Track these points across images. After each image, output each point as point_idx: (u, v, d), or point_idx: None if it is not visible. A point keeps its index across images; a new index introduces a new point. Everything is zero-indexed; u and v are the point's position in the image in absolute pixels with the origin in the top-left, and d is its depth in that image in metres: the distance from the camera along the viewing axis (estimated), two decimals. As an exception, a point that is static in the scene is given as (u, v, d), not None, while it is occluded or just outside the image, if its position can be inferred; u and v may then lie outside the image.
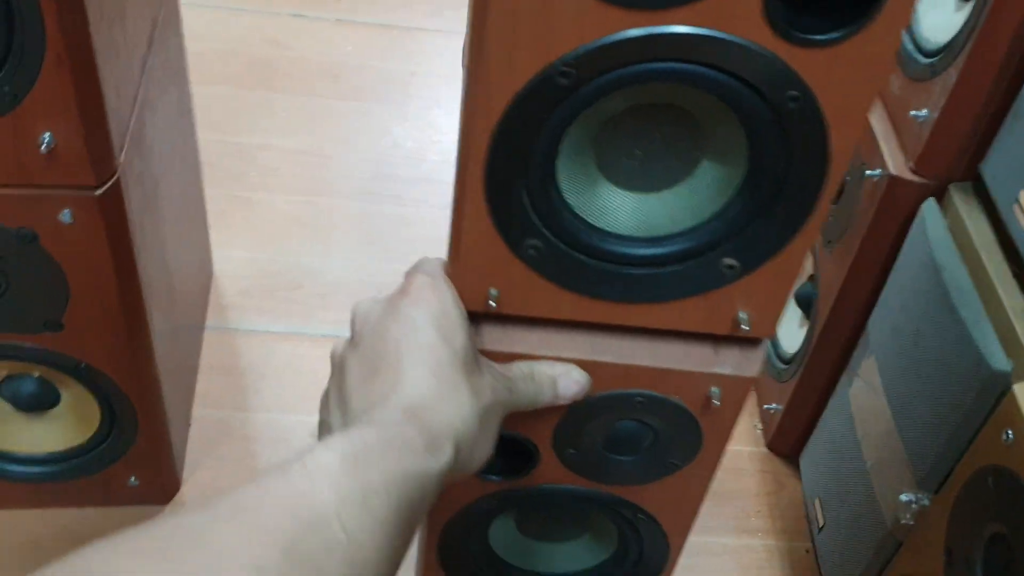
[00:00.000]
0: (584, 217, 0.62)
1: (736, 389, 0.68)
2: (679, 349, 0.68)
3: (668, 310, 0.66)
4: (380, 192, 1.56)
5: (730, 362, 0.68)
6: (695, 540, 1.20)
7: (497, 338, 0.67)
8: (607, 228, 0.63)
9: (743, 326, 0.65)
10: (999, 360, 0.80)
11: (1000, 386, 0.80)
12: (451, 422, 0.53)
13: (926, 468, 0.89)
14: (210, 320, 1.32)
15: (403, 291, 0.59)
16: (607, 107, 0.58)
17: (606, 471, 0.75)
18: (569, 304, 0.65)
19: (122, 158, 0.82)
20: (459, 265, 0.64)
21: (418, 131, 1.67)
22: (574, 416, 0.69)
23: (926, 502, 0.89)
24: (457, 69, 1.94)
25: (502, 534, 0.85)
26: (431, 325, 0.57)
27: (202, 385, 1.24)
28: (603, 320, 0.67)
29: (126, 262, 0.87)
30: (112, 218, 0.83)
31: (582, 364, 0.67)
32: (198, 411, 1.21)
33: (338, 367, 0.58)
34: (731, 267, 0.63)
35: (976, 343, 0.82)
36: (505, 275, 0.63)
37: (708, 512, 1.22)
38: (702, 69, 0.54)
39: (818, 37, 0.53)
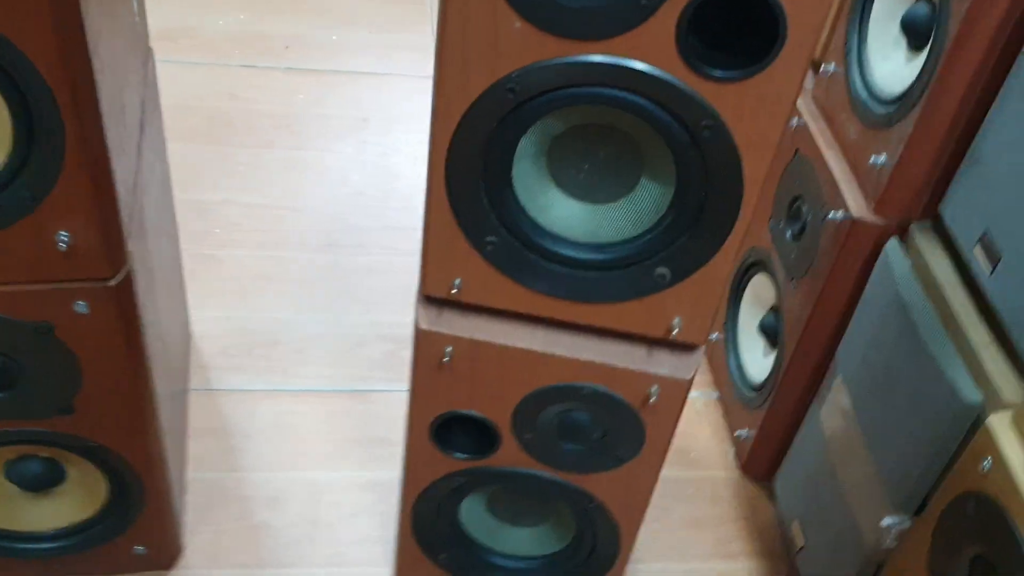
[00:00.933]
0: (538, 221, 0.72)
1: (673, 390, 0.78)
2: (624, 349, 0.78)
3: (612, 311, 0.75)
4: (344, 243, 1.59)
5: (668, 364, 0.78)
6: (680, 567, 1.26)
7: (460, 325, 0.76)
8: (559, 233, 0.72)
9: (676, 331, 0.75)
10: (971, 392, 0.87)
11: (972, 416, 0.87)
12: None
13: (903, 493, 0.96)
14: (193, 383, 1.33)
15: None
16: (554, 124, 0.67)
17: (560, 458, 0.84)
18: (524, 299, 0.75)
19: (130, 247, 0.84)
20: (427, 255, 0.73)
21: (377, 178, 1.70)
22: (530, 403, 0.79)
23: (908, 525, 0.96)
24: (410, 112, 1.98)
25: (473, 515, 0.95)
26: None
27: (192, 448, 1.25)
28: (554, 315, 0.76)
29: (136, 344, 0.89)
30: (124, 305, 0.85)
31: (536, 356, 0.77)
32: (192, 475, 1.22)
33: None
34: (663, 275, 0.72)
35: (947, 376, 0.89)
36: (467, 267, 0.73)
37: (690, 538, 1.29)
38: (624, 94, 0.63)
39: (724, 73, 0.61)
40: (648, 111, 0.64)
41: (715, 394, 1.45)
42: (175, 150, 1.66)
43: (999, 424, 0.83)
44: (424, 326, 0.76)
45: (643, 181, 0.70)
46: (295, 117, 1.81)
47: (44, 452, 0.97)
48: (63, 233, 0.77)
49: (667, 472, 1.34)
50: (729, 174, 0.66)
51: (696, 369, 0.78)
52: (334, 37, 2.00)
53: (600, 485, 0.87)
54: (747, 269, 1.35)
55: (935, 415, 0.91)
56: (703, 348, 0.80)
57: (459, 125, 0.65)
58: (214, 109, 1.78)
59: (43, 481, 1.00)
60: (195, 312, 1.40)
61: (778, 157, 1.25)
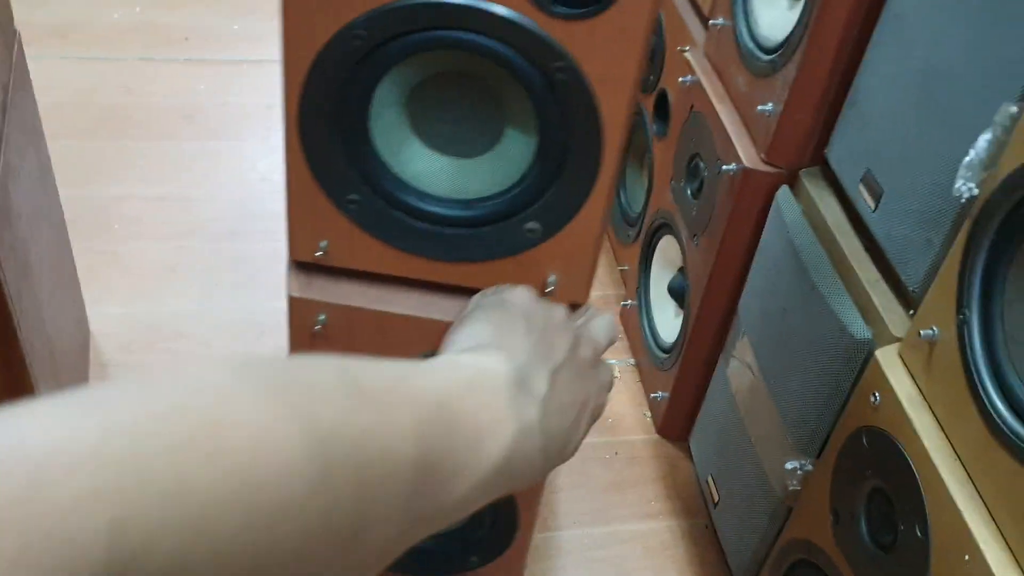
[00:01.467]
0: (401, 177, 0.68)
1: None
2: None
3: (486, 271, 0.72)
4: (251, 230, 1.55)
5: None
6: (603, 531, 1.25)
7: (331, 291, 0.73)
8: (424, 189, 0.69)
9: (551, 288, 0.72)
10: (860, 329, 0.87)
11: (863, 353, 0.87)
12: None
13: (805, 436, 0.96)
14: (93, 378, 1.29)
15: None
16: (410, 72, 0.64)
17: None
18: (394, 260, 0.72)
19: (-4, 229, 0.81)
20: (291, 217, 0.70)
21: (283, 164, 1.67)
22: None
23: (810, 467, 0.96)
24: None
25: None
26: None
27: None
28: (426, 277, 0.73)
29: (6, 334, 0.85)
30: (-11, 290, 0.81)
31: (412, 320, 0.73)
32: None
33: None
34: (533, 231, 0.70)
35: (837, 315, 0.89)
36: (332, 228, 0.70)
37: (611, 502, 1.28)
38: (473, 36, 0.61)
39: (572, 11, 0.60)
40: (500, 54, 0.62)
41: (632, 361, 1.45)
42: (70, 147, 1.62)
43: (886, 358, 0.84)
44: (295, 293, 0.73)
45: (508, 132, 0.68)
46: (197, 108, 1.77)
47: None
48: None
49: (586, 439, 1.34)
50: (588, 118, 0.64)
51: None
52: (235, 27, 1.96)
53: None
54: (654, 232, 1.35)
55: (828, 355, 0.91)
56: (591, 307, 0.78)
57: (308, 76, 0.62)
58: (110, 104, 1.73)
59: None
60: (93, 309, 1.36)
61: (676, 116, 1.25)
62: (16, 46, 1.01)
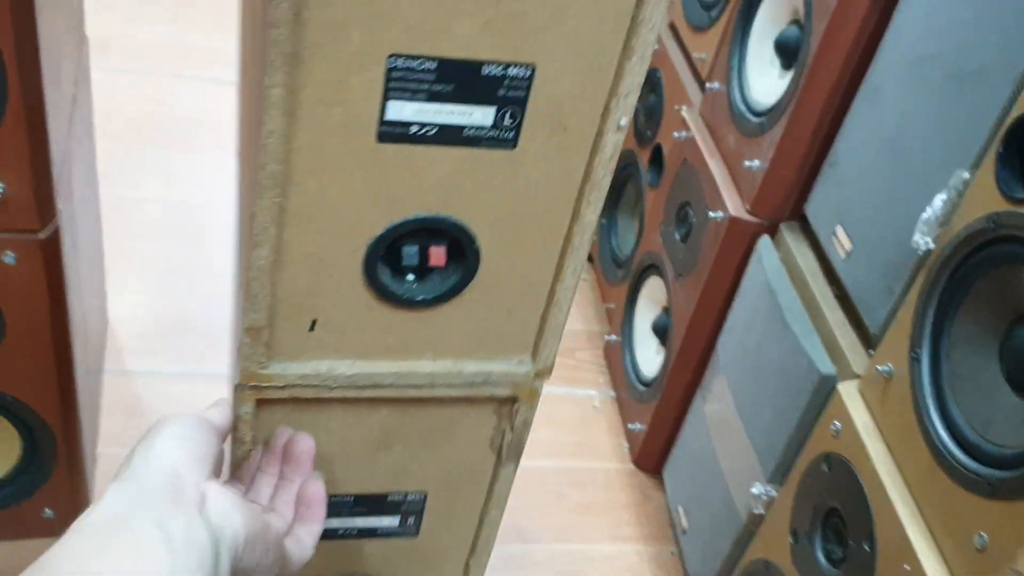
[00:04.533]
0: None
1: None
2: None
3: None
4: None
5: None
6: (573, 548, 1.34)
7: None
8: None
9: None
10: (826, 365, 0.97)
11: (828, 386, 0.97)
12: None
13: (772, 464, 1.05)
14: (108, 364, 1.37)
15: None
16: None
17: None
18: None
19: (59, 205, 0.90)
20: None
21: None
22: None
23: (774, 493, 1.05)
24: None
25: None
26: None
27: (105, 425, 1.29)
28: None
29: (59, 299, 0.94)
30: (50, 260, 0.90)
31: None
32: (103, 449, 1.26)
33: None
34: None
35: (807, 352, 0.99)
36: None
37: (584, 524, 1.37)
38: None
39: None
40: None
41: (612, 393, 1.54)
42: (101, 149, 1.71)
43: (847, 391, 0.94)
44: None
45: None
46: (222, 124, 1.87)
47: (-42, 403, 1.01)
48: (-2, 184, 0.82)
49: (563, 463, 1.43)
50: None
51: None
52: (261, 54, 2.07)
53: None
54: (642, 272, 1.45)
55: (797, 388, 1.01)
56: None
57: None
58: (141, 113, 1.83)
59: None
60: (113, 298, 1.44)
61: (669, 168, 1.37)
62: (84, 48, 1.11)
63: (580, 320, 1.67)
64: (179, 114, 1.85)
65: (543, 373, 0.78)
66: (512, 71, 0.62)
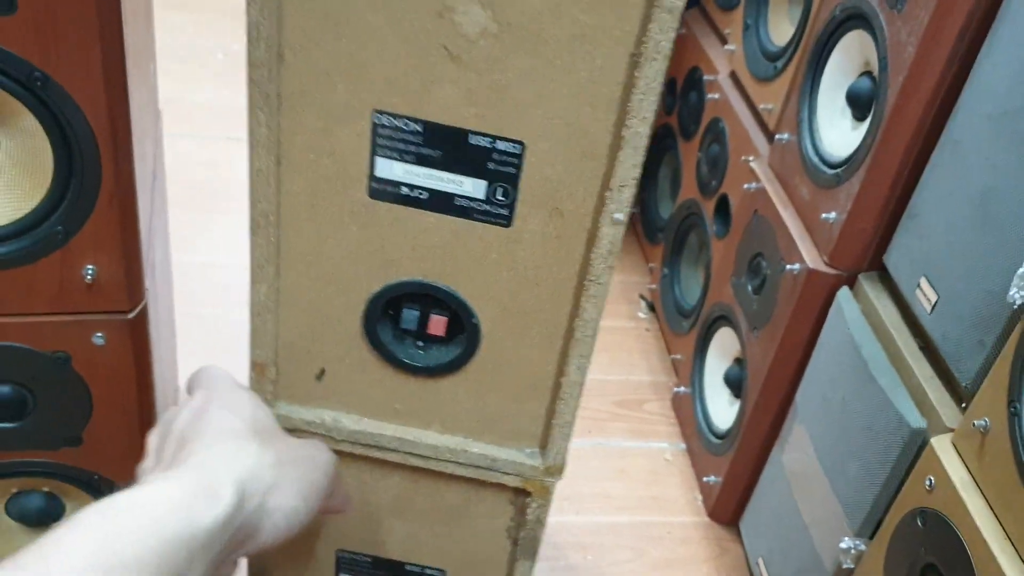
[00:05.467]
0: None
1: None
2: None
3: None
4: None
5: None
6: (652, 607, 1.31)
7: None
8: None
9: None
10: (916, 419, 0.96)
11: (919, 440, 0.95)
12: (232, 467, 0.60)
13: (860, 518, 1.03)
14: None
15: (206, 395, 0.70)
16: None
17: None
18: None
19: (147, 283, 0.91)
20: None
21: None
22: None
23: (863, 547, 1.03)
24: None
25: None
26: (226, 410, 0.67)
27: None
28: None
29: (146, 377, 0.95)
30: (138, 338, 0.91)
31: None
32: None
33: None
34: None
35: (895, 405, 0.98)
36: None
37: (660, 580, 1.34)
38: None
39: None
40: None
41: (683, 445, 1.53)
42: (164, 214, 1.74)
43: (940, 446, 0.92)
44: None
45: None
46: (278, 186, 1.89)
47: (45, 486, 1.02)
48: (90, 266, 0.83)
49: (639, 517, 1.41)
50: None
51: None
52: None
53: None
54: (712, 323, 1.44)
55: (885, 442, 0.99)
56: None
57: None
58: (196, 178, 1.86)
59: (43, 516, 1.03)
60: (181, 365, 1.45)
61: (738, 219, 1.36)
62: (159, 122, 1.13)
63: (646, 371, 1.65)
64: (234, 176, 1.88)
65: (553, 471, 0.76)
66: (501, 145, 0.61)
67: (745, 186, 1.30)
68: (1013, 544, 0.82)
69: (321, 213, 0.65)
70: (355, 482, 0.79)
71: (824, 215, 1.11)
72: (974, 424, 0.88)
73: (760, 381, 1.25)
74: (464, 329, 0.70)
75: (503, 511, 0.80)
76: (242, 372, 1.51)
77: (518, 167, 0.62)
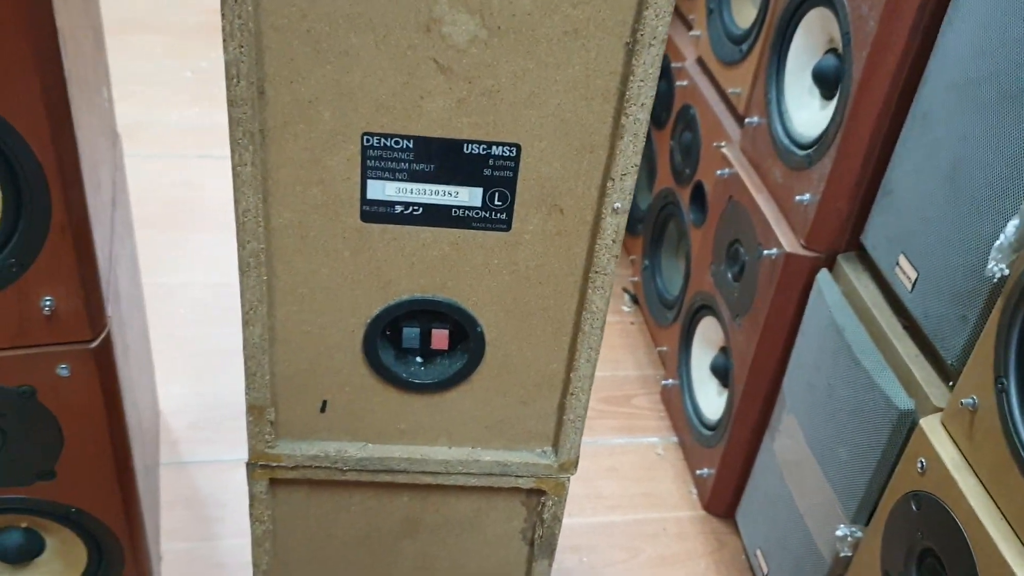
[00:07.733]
0: None
1: None
2: None
3: None
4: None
5: None
6: (653, 605, 1.29)
7: None
8: None
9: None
10: (904, 401, 0.94)
11: (908, 422, 0.93)
12: None
13: (854, 504, 1.01)
14: (163, 457, 1.36)
15: None
16: None
17: None
18: None
19: (109, 311, 0.89)
20: None
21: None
22: None
23: (859, 534, 1.01)
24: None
25: None
26: None
27: (166, 521, 1.27)
28: None
29: (115, 406, 0.92)
30: (104, 366, 0.89)
31: None
32: (167, 545, 1.24)
33: None
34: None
35: (882, 388, 0.96)
36: None
37: (658, 575, 1.33)
38: None
39: None
40: None
41: (674, 438, 1.51)
42: (138, 237, 1.71)
43: (930, 427, 0.90)
44: None
45: None
46: (252, 202, 1.87)
47: (23, 522, 0.99)
48: (47, 298, 0.81)
49: (634, 515, 1.39)
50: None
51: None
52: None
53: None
54: (695, 313, 1.42)
55: (875, 426, 0.97)
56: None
57: None
58: (172, 198, 1.84)
59: (24, 553, 1.01)
60: (162, 389, 1.43)
61: (713, 206, 1.34)
62: (117, 146, 1.11)
63: (633, 365, 1.64)
64: (210, 195, 1.86)
65: (567, 466, 0.77)
66: (496, 150, 0.61)
67: (718, 172, 1.29)
68: (1009, 523, 0.81)
69: (312, 244, 0.64)
70: (360, 509, 0.78)
71: (798, 197, 1.09)
72: (962, 403, 0.86)
73: (746, 370, 1.23)
74: (467, 339, 0.69)
75: (516, 514, 0.80)
76: (222, 392, 1.50)
77: (515, 170, 0.62)
